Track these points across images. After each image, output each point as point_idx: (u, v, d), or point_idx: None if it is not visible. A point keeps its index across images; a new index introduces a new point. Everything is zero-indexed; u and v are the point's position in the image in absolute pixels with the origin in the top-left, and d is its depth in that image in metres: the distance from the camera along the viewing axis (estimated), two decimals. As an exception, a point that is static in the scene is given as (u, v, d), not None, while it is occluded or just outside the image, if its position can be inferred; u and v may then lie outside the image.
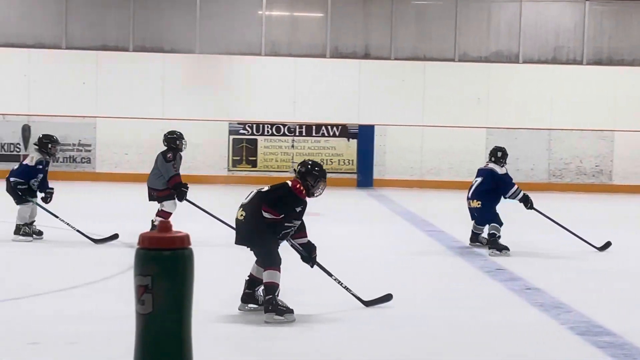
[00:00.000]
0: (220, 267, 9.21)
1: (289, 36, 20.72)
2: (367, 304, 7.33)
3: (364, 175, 20.37)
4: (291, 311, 6.75)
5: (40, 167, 11.01)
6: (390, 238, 12.01)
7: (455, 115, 20.54)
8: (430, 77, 20.67)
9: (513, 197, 10.95)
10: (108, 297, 7.63)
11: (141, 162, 19.94)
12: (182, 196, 11.04)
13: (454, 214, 14.12)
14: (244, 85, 20.28)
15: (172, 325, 3.92)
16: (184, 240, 3.96)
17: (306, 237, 7.20)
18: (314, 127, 20.42)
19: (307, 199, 7.05)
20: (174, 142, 11.29)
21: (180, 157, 11.36)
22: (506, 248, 10.67)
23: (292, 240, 7.09)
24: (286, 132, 20.37)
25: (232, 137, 20.26)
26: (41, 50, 19.91)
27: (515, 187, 10.97)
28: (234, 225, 7.15)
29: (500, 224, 10.81)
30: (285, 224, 6.90)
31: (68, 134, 19.71)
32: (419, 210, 15.34)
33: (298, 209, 6.96)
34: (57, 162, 19.59)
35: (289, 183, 7.02)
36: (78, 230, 10.73)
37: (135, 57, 20.16)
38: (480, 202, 11.01)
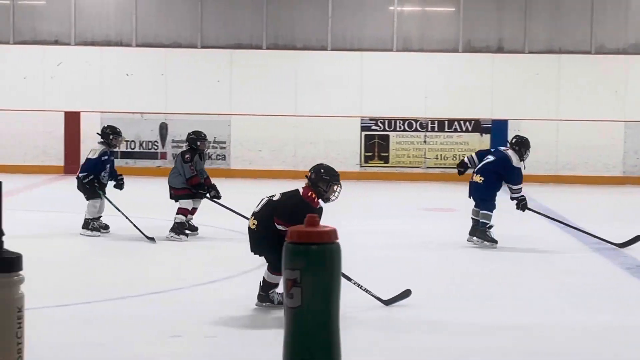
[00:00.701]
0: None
1: (420, 31, 20.60)
2: (387, 302, 7.16)
3: (497, 170, 20.12)
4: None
5: (105, 158, 11.27)
6: (525, 234, 11.80)
7: (591, 108, 20.05)
8: (565, 70, 20.23)
9: (513, 192, 10.56)
10: (239, 292, 7.72)
11: (274, 158, 20.19)
12: (202, 196, 11.15)
13: (591, 210, 13.79)
14: (375, 81, 20.26)
15: (321, 318, 3.95)
16: (332, 234, 3.99)
17: None
18: (446, 122, 20.26)
19: (323, 204, 6.98)
20: (194, 142, 11.42)
21: (202, 157, 11.46)
22: (494, 241, 10.39)
23: None
24: (418, 128, 20.27)
25: (364, 133, 20.28)
26: (177, 50, 20.35)
27: (520, 186, 10.59)
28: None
29: (493, 208, 10.51)
30: None
31: (203, 132, 20.04)
32: (555, 206, 15.04)
33: None
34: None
35: (301, 191, 6.90)
36: (137, 227, 10.81)
37: (268, 54, 20.39)
38: (483, 179, 10.60)
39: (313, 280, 3.93)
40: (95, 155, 11.25)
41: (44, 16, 20.29)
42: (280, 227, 6.75)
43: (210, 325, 6.55)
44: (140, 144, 20.12)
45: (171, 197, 11.29)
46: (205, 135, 11.61)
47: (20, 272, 3.27)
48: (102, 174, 11.17)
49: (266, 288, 6.97)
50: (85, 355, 5.80)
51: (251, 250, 7.08)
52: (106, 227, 11.21)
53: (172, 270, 9.19)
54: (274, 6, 20.47)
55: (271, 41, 20.48)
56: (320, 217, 6.79)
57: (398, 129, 20.27)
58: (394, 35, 20.51)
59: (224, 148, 20.27)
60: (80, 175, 11.23)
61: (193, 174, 11.07)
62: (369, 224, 12.71)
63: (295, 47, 20.48)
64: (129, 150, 20.08)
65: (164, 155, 20.08)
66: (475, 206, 10.73)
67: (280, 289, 6.73)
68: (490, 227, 10.46)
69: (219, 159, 20.28)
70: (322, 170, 6.98)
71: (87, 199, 11.16)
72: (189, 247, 10.57)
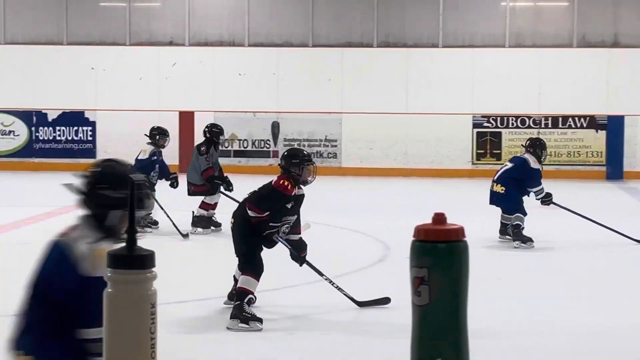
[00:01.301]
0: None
1: (533, 27, 20.28)
2: (361, 304, 6.99)
3: (613, 167, 19.67)
4: (258, 320, 6.40)
5: (155, 157, 11.52)
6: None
7: None
8: (684, 64, 19.70)
9: (537, 194, 10.47)
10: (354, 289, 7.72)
11: (385, 156, 20.16)
12: (215, 189, 11.12)
13: None
14: (487, 78, 20.04)
15: (449, 316, 3.93)
16: (459, 232, 3.97)
17: (299, 234, 6.93)
18: (560, 118, 19.91)
19: (304, 187, 6.85)
20: (216, 136, 11.48)
21: (217, 149, 11.47)
22: (530, 240, 10.22)
23: (281, 237, 6.79)
24: (531, 125, 19.97)
25: (475, 130, 20.09)
26: (289, 49, 20.50)
27: (542, 186, 10.46)
28: None
29: (524, 214, 10.35)
30: (271, 224, 6.64)
31: (315, 130, 20.23)
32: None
33: (288, 205, 6.72)
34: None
35: (273, 181, 6.78)
36: (175, 225, 10.87)
37: (379, 52, 20.37)
38: (504, 188, 10.47)
39: (441, 278, 3.91)
40: (146, 156, 11.55)
41: (159, 18, 20.71)
42: (251, 214, 6.63)
43: (322, 323, 6.59)
44: (253, 143, 20.35)
45: (189, 194, 11.40)
46: (222, 129, 11.69)
47: (153, 269, 3.32)
48: (152, 173, 11.35)
49: (240, 296, 6.49)
50: (211, 349, 5.90)
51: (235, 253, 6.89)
52: (155, 222, 11.38)
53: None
54: (385, 4, 20.44)
55: (382, 39, 20.46)
56: (300, 203, 6.81)
57: (511, 125, 20.01)
58: (506, 31, 20.25)
59: (335, 146, 20.34)
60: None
61: (208, 165, 11.14)
62: (480, 221, 12.57)
63: (406, 44, 20.42)
64: (242, 149, 20.34)
65: (275, 154, 20.26)
66: (504, 212, 10.64)
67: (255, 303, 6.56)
68: (523, 228, 10.34)
69: (330, 157, 20.36)
70: (290, 156, 6.88)
71: None
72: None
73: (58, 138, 20.34)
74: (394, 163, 20.09)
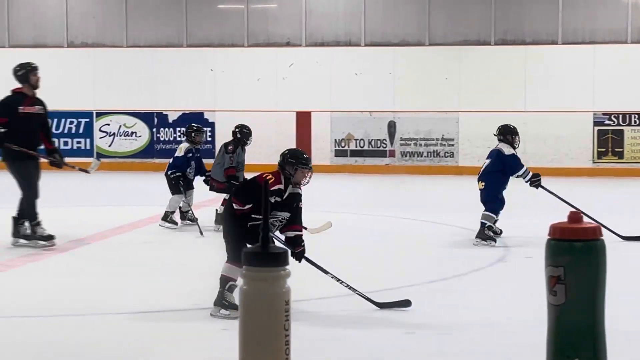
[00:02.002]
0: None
1: (656, 21, 19.77)
2: (381, 305, 6.90)
3: None
4: (235, 307, 6.45)
5: (190, 155, 11.72)
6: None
7: None
8: None
9: (524, 177, 10.36)
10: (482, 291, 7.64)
11: (503, 155, 19.89)
12: (231, 188, 10.86)
13: None
14: (608, 75, 19.58)
15: (585, 315, 3.86)
16: (596, 231, 3.89)
17: (296, 230, 6.90)
18: (685, 115, 19.35)
19: (300, 189, 6.87)
20: (246, 137, 11.57)
21: (244, 150, 11.52)
22: (492, 239, 10.12)
23: (275, 234, 6.82)
24: (655, 122, 19.45)
25: (596, 128, 19.65)
26: (405, 48, 20.43)
27: (525, 167, 10.37)
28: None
29: (496, 211, 10.29)
30: (252, 215, 6.63)
31: (432, 129, 20.11)
32: None
33: (272, 200, 6.69)
34: (420, 156, 20.09)
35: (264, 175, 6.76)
36: (198, 225, 11.08)
37: (496, 50, 20.13)
38: (484, 184, 10.41)
39: (577, 277, 3.83)
40: (181, 153, 11.76)
41: (276, 19, 20.90)
42: (235, 206, 6.71)
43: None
44: (369, 142, 20.35)
45: (211, 189, 11.55)
46: (250, 130, 11.73)
47: (287, 267, 3.36)
48: (188, 170, 11.64)
49: (222, 283, 6.73)
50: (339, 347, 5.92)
51: None
52: (195, 219, 11.47)
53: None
54: (503, 1, 20.18)
55: (499, 36, 20.21)
56: (293, 201, 6.80)
57: (633, 123, 19.50)
58: (628, 26, 19.75)
59: (452, 145, 20.18)
60: (168, 172, 11.71)
61: (232, 164, 11.23)
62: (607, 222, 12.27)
63: (525, 42, 20.11)
64: (358, 148, 20.36)
65: (392, 153, 20.23)
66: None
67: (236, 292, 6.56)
68: (490, 227, 10.26)
69: (447, 156, 20.20)
70: (288, 155, 6.91)
71: (173, 194, 11.62)
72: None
73: (178, 139, 20.71)
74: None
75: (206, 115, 20.65)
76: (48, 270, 9.08)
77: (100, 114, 20.88)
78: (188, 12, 20.90)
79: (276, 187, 6.76)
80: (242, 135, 11.59)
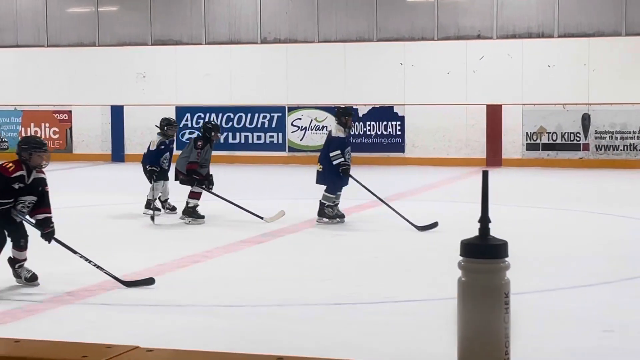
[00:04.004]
0: None
1: None
2: (127, 284, 7.61)
3: None
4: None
5: (163, 147, 12.20)
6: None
7: None
8: None
9: (333, 159, 10.99)
10: None
11: None
12: (192, 182, 11.43)
13: None
14: None
15: None
16: None
17: (45, 213, 7.48)
18: None
19: (43, 173, 7.53)
20: (209, 132, 11.81)
21: (211, 148, 11.81)
22: (333, 216, 11.08)
23: (24, 216, 7.53)
24: None
25: None
26: (600, 39, 19.82)
27: (338, 152, 10.97)
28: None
29: (334, 193, 11.08)
30: (1, 201, 7.37)
31: (627, 122, 19.45)
32: None
33: (16, 186, 7.34)
34: (616, 150, 19.45)
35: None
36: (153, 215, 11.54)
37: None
38: (322, 166, 11.19)
39: None
40: (154, 147, 12.21)
41: (467, 12, 20.70)
42: None
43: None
44: (562, 136, 19.88)
45: (176, 179, 11.85)
46: (217, 126, 12.14)
47: (506, 259, 3.33)
48: (161, 159, 12.16)
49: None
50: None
51: None
52: (173, 208, 12.25)
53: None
54: None
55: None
56: (37, 185, 7.45)
57: None
58: None
59: (651, 138, 19.47)
60: (146, 166, 12.17)
61: (197, 160, 11.56)
62: None
63: None
64: (550, 142, 19.92)
65: (586, 147, 19.69)
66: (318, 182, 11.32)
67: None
68: (328, 206, 11.06)
69: (645, 150, 19.51)
70: (21, 141, 7.61)
71: (150, 182, 12.06)
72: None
73: (368, 133, 20.89)
74: None
75: (396, 109, 20.71)
76: (244, 260, 9.34)
77: (292, 109, 21.29)
78: (378, 7, 21.00)
79: (17, 173, 7.40)
80: (205, 130, 11.97)
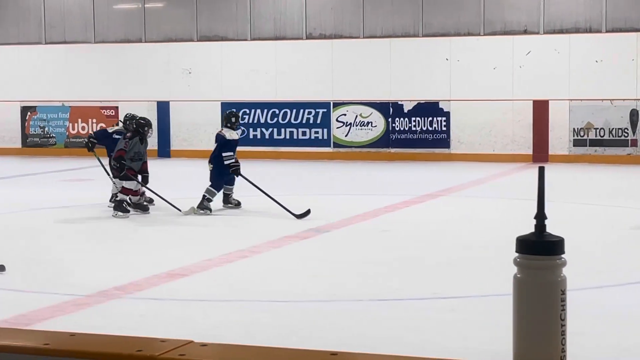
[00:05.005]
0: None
1: None
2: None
3: None
4: None
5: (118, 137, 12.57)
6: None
7: None
8: None
9: (225, 159, 11.96)
10: None
11: None
12: (122, 170, 11.83)
13: None
14: None
15: None
16: None
17: None
18: None
19: None
20: (141, 127, 12.15)
21: (142, 142, 12.05)
22: (208, 208, 11.91)
23: None
24: None
25: None
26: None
27: (230, 153, 12.02)
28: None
29: (218, 190, 12.09)
30: None
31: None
32: None
33: None
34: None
35: None
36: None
37: None
38: (212, 166, 12.14)
39: None
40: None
41: (513, 6, 20.53)
42: None
43: None
44: (609, 132, 19.65)
45: (115, 177, 12.19)
46: (148, 122, 12.37)
47: (563, 255, 3.28)
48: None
49: None
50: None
51: None
52: (151, 200, 12.54)
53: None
54: None
55: None
56: None
57: None
58: None
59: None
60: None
61: (124, 148, 11.86)
62: None
63: None
64: (598, 138, 19.70)
65: (634, 143, 19.46)
66: (213, 187, 12.11)
67: None
68: (209, 199, 11.97)
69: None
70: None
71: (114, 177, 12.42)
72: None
73: (413, 129, 20.80)
74: None
75: (441, 105, 20.61)
76: (290, 256, 9.34)
77: (337, 105, 21.26)
78: (424, 2, 20.89)
79: None
80: (137, 125, 12.22)
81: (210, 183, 12.17)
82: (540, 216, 3.28)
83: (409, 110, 20.78)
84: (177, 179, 16.42)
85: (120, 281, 7.80)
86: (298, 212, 11.51)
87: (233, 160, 12.06)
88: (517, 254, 3.22)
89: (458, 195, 14.11)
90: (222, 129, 12.46)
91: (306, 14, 21.62)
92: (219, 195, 12.29)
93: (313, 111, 21.36)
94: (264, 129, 21.58)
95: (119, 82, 22.52)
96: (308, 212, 11.49)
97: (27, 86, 23.10)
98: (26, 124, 23.05)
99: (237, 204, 12.40)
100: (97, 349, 2.61)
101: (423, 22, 20.93)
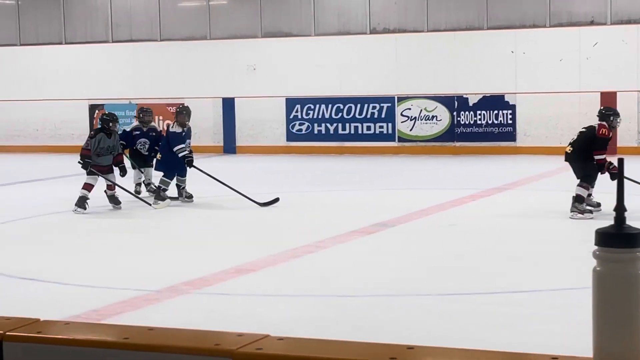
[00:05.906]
0: None
1: None
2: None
3: None
4: None
5: (138, 132, 13.30)
6: None
7: None
8: None
9: (178, 152, 12.43)
10: None
11: None
12: (86, 166, 12.00)
13: None
14: None
15: None
16: None
17: None
18: None
19: None
20: (106, 122, 12.28)
21: (109, 137, 12.18)
22: (164, 199, 12.49)
23: None
24: None
25: None
26: None
27: (182, 146, 12.48)
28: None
29: (170, 179, 12.56)
30: None
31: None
32: None
33: None
34: None
35: None
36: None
37: None
38: (160, 155, 12.75)
39: None
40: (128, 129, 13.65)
41: (583, -3, 20.29)
42: None
43: None
44: (680, 124, 19.28)
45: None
46: (117, 118, 12.60)
47: (643, 248, 3.21)
48: (139, 147, 13.23)
49: None
50: None
51: None
52: (190, 196, 12.80)
53: None
54: None
55: None
56: None
57: None
58: None
59: None
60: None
61: (86, 147, 12.12)
62: None
63: None
64: (668, 130, 19.35)
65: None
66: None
67: None
68: (165, 189, 12.53)
69: None
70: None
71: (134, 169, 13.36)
72: None
73: (479, 122, 20.63)
74: None
75: (507, 98, 20.41)
76: (355, 251, 9.33)
77: (401, 99, 21.18)
78: (490, -6, 20.72)
79: None
80: (102, 121, 12.42)
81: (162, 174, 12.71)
82: (620, 208, 3.22)
83: (474, 104, 20.62)
84: (243, 175, 16.50)
85: (188, 277, 7.86)
86: (263, 201, 11.98)
87: (187, 152, 12.50)
88: (596, 247, 3.17)
89: (525, 189, 13.97)
90: (171, 124, 13.08)
91: (370, 9, 21.56)
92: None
93: (377, 106, 21.30)
94: (328, 124, 21.58)
95: (185, 79, 22.71)
96: (276, 200, 12.04)
97: (95, 84, 23.42)
98: (94, 121, 23.35)
99: (189, 197, 12.79)
100: (176, 342, 2.62)
101: (487, 14, 20.74)
